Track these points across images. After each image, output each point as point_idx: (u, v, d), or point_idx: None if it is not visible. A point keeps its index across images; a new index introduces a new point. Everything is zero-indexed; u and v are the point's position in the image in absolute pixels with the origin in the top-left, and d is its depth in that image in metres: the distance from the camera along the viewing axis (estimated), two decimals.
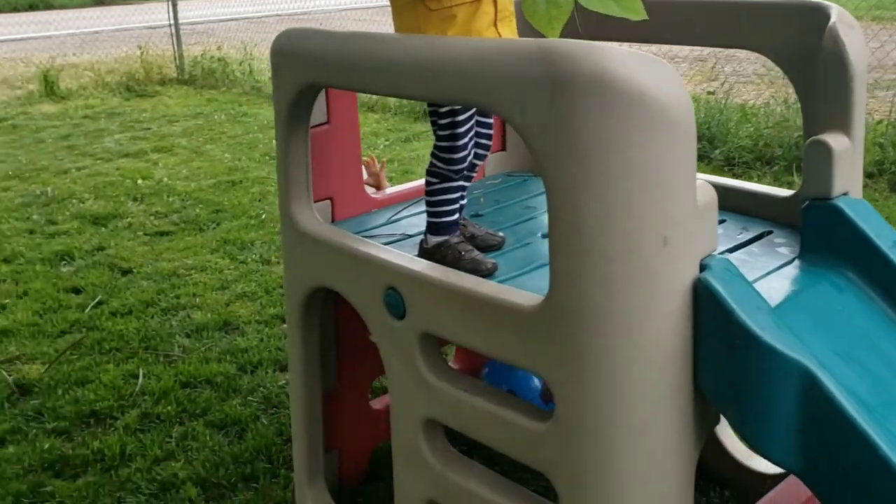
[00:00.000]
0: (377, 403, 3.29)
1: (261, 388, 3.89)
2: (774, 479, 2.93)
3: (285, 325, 3.54)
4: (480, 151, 2.55)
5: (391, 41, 2.17)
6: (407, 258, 2.32)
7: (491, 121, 2.56)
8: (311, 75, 2.42)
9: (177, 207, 6.67)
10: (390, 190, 3.18)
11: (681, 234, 1.80)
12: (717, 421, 2.05)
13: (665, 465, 1.92)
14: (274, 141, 8.63)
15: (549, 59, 1.71)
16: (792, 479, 2.51)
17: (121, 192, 7.09)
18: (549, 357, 1.88)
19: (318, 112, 2.72)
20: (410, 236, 2.74)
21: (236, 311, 4.74)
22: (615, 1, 1.84)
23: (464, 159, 2.46)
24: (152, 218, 6.45)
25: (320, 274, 2.59)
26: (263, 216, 6.36)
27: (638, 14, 1.85)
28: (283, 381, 3.95)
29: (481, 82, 1.83)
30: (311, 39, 2.41)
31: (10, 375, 4.06)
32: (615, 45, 1.85)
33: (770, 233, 2.50)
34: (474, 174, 2.60)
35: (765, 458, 1.85)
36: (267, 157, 8.14)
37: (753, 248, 2.41)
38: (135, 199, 6.91)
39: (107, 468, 3.32)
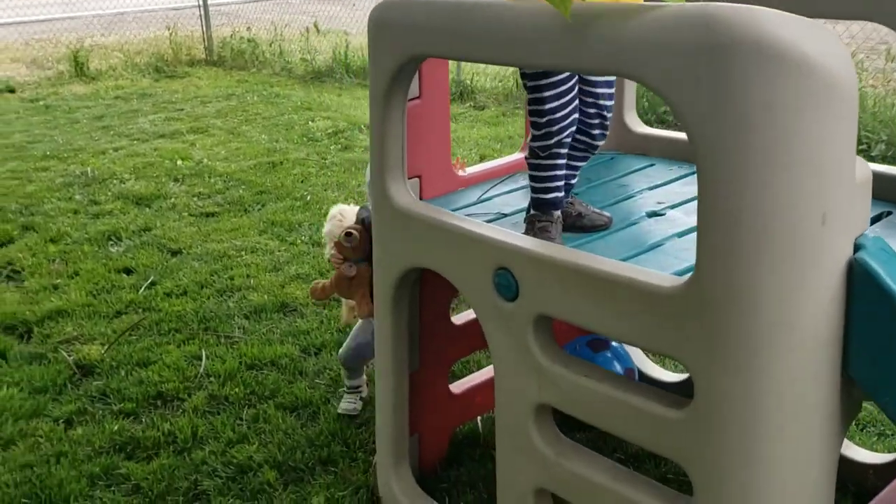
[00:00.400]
0: (456, 388, 3.21)
1: (327, 371, 3.82)
2: (876, 469, 2.85)
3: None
4: (596, 132, 2.41)
5: (512, 7, 2.06)
6: (520, 237, 2.23)
7: (612, 92, 2.41)
8: (414, 46, 2.32)
9: (219, 188, 6.59)
10: (475, 168, 3.08)
11: (839, 212, 1.70)
12: (859, 410, 1.95)
13: (809, 457, 1.83)
14: (310, 123, 8.57)
15: (710, 24, 1.60)
16: None
17: (161, 172, 7.02)
18: (692, 341, 1.79)
19: (411, 86, 2.62)
20: (506, 215, 2.65)
21: (292, 293, 4.66)
22: None
23: (551, 133, 2.31)
24: (195, 199, 6.38)
25: (418, 254, 2.50)
26: (308, 198, 6.28)
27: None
28: None
29: (629, 50, 1.73)
30: (413, 9, 2.31)
31: (69, 356, 4.01)
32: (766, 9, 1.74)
33: (889, 213, 2.39)
34: (591, 153, 2.48)
35: None
36: (304, 139, 8.05)
37: (876, 227, 2.31)
38: (175, 180, 6.84)
39: (179, 450, 3.26)
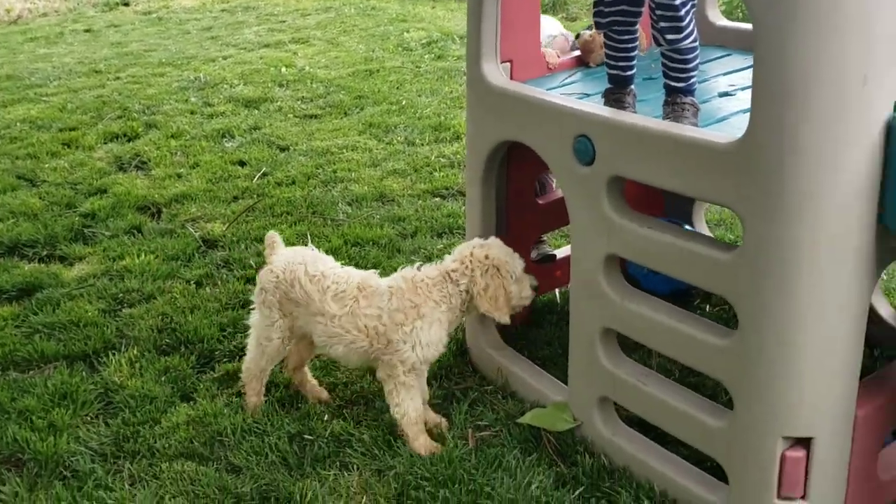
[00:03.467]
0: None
1: (421, 250, 4.22)
2: None
3: None
4: (661, 25, 2.55)
5: None
6: (597, 107, 2.52)
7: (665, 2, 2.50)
8: None
9: (321, 93, 7.01)
10: (562, 58, 3.35)
11: (879, 74, 1.93)
12: (893, 258, 2.20)
13: (845, 293, 2.10)
14: (405, 34, 8.87)
15: None
16: None
17: (267, 78, 7.48)
18: (744, 191, 2.07)
19: None
20: (588, 95, 2.93)
21: (390, 186, 5.07)
22: None
23: (602, 12, 2.57)
24: (299, 102, 6.82)
25: (507, 128, 2.82)
26: (403, 103, 6.63)
27: None
28: (441, 245, 4.27)
29: None
30: None
31: (195, 232, 4.53)
32: None
33: None
34: (660, 45, 2.68)
35: None
36: (400, 49, 8.36)
37: None
38: (280, 86, 7.30)
39: None
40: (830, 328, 2.13)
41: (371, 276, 2.92)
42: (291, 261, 2.94)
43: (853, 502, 2.30)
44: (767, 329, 2.15)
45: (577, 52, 3.40)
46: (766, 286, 2.12)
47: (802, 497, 2.25)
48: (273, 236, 3.10)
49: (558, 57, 3.31)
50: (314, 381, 3.17)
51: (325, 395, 3.14)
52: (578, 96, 2.90)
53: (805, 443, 2.20)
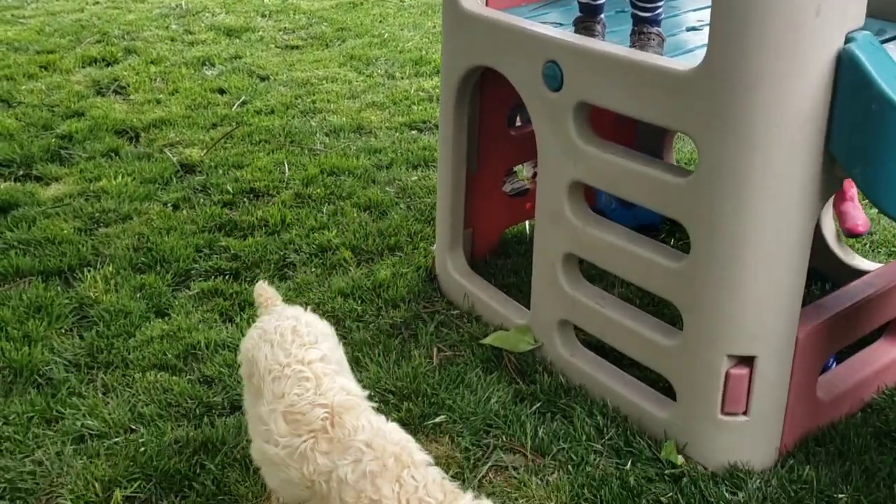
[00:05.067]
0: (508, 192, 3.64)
1: (396, 181, 4.28)
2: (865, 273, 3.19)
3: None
4: None
5: None
6: (566, 34, 2.57)
7: None
8: None
9: (303, 24, 6.96)
10: None
11: (832, 6, 2.00)
12: (839, 186, 2.29)
13: (792, 217, 2.19)
14: None
15: None
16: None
17: (249, 8, 7.40)
18: (701, 116, 2.15)
19: None
20: (562, 25, 2.97)
21: (368, 118, 5.09)
22: None
23: None
24: (281, 33, 6.77)
25: (480, 53, 2.87)
26: (385, 36, 6.60)
27: None
28: (416, 177, 4.33)
29: None
30: None
31: (173, 157, 4.56)
32: None
33: None
34: None
35: (889, 215, 2.11)
36: None
37: (890, 45, 2.57)
38: (263, 16, 7.23)
39: (270, 232, 3.80)
40: (776, 252, 2.23)
41: (353, 403, 1.95)
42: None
43: (792, 420, 2.43)
44: (717, 251, 2.25)
45: None
46: (718, 210, 2.21)
47: (744, 413, 2.38)
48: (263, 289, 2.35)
49: None
50: None
51: None
52: (553, 25, 2.93)
53: (748, 362, 2.32)
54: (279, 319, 2.14)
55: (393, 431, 1.87)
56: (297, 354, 2.01)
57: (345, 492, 1.77)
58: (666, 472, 2.41)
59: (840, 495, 2.31)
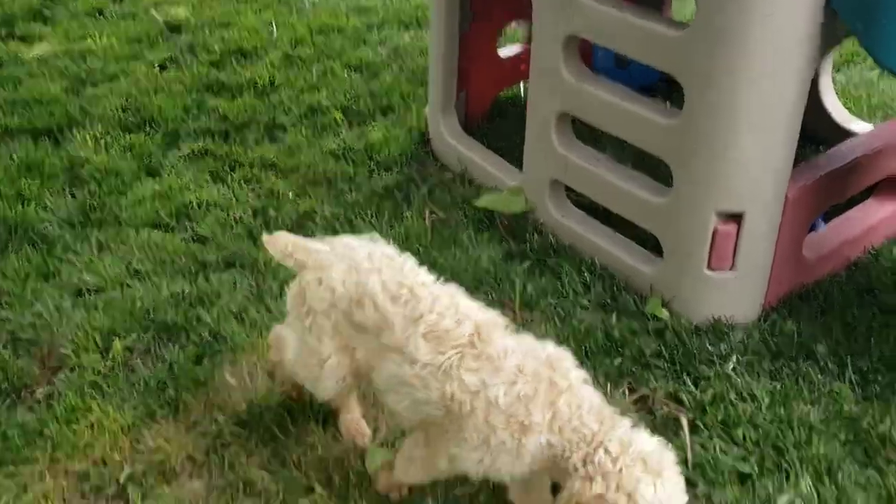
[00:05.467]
0: (503, 53, 3.55)
1: (388, 42, 4.18)
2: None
3: None
4: None
5: None
6: None
7: None
8: None
9: None
10: None
11: None
12: (838, 42, 2.24)
13: (788, 73, 2.15)
14: None
15: None
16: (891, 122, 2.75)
17: None
18: None
19: None
20: None
21: None
22: None
23: None
24: None
25: None
26: None
27: None
28: (409, 38, 4.22)
29: None
30: None
31: (159, 16, 4.42)
32: None
33: None
34: None
35: (887, 69, 2.07)
36: None
37: None
38: None
39: (260, 93, 3.74)
40: (770, 108, 2.21)
41: (496, 321, 1.85)
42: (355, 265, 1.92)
43: (778, 276, 2.47)
44: (710, 107, 2.22)
45: None
46: (713, 64, 2.17)
47: (731, 268, 2.42)
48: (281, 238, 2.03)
49: None
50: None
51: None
52: None
53: (737, 219, 2.34)
54: (359, 249, 1.94)
55: (545, 349, 1.77)
56: (412, 277, 1.88)
57: (493, 414, 1.69)
58: (650, 325, 2.48)
59: (819, 346, 2.38)
